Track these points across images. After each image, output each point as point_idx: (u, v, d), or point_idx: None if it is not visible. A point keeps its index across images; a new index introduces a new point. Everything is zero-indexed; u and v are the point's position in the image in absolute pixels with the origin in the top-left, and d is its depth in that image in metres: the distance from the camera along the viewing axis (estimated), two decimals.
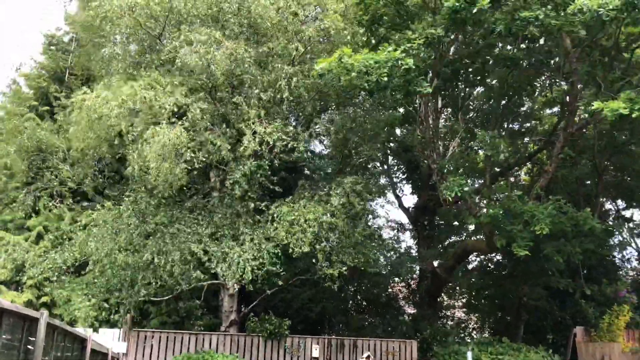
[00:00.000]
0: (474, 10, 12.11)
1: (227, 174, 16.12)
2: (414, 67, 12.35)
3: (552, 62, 16.33)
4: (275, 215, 15.32)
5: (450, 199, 14.32)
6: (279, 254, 14.96)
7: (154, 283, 15.15)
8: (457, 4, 12.24)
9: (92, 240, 15.43)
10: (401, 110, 19.69)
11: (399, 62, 12.22)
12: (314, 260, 16.33)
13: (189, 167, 14.50)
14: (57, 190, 18.54)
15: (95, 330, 15.24)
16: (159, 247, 15.09)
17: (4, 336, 4.62)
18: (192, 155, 14.37)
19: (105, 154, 17.01)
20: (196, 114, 14.57)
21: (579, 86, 14.93)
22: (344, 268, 15.15)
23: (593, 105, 12.07)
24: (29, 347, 5.30)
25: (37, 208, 18.48)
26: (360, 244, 15.90)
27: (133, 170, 14.57)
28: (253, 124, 14.75)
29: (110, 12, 14.82)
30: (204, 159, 14.89)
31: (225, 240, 15.56)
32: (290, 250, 14.55)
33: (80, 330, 10.53)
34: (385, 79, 12.12)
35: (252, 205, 15.89)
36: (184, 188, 16.48)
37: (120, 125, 14.27)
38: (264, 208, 15.86)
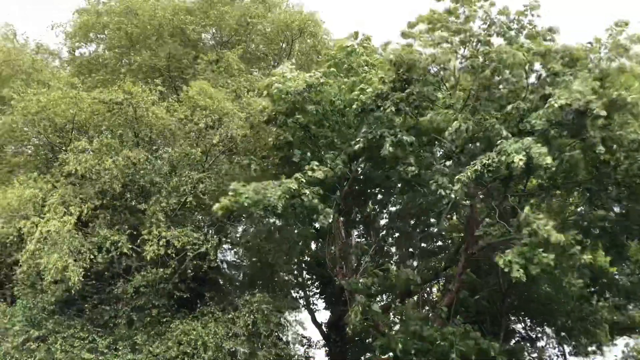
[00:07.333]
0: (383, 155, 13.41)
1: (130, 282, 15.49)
2: (317, 198, 13.11)
3: None
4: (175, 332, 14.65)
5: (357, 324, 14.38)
6: None
7: None
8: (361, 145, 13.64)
9: None
10: (316, 225, 19.84)
11: (299, 192, 12.94)
12: None
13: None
14: None
15: None
16: (50, 355, 14.09)
17: None
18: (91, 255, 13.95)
19: None
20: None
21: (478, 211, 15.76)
22: None
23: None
24: None
25: None
26: None
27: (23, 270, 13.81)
28: (158, 227, 14.42)
29: None
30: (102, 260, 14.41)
31: (122, 352, 14.66)
32: None
33: None
34: (279, 210, 12.58)
35: (155, 313, 15.18)
36: (87, 297, 15.61)
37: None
38: (167, 319, 15.15)
